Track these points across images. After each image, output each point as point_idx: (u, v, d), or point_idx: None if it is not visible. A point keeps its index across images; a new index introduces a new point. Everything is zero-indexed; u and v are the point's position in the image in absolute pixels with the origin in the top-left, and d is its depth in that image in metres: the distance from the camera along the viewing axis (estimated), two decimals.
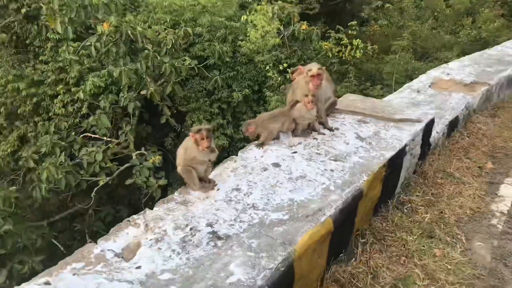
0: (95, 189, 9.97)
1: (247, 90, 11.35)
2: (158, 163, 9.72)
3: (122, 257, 2.71)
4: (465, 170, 5.22)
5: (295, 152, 4.10)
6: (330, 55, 12.63)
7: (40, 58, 11.48)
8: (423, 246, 3.80)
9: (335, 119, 4.90)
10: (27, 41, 12.03)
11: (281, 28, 11.89)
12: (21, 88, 10.85)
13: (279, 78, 11.38)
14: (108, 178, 9.96)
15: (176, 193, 3.34)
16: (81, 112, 11.03)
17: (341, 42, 12.86)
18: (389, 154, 4.15)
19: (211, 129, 3.44)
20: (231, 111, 11.86)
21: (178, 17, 12.07)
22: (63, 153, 9.58)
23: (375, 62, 15.51)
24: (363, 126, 4.74)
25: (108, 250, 2.76)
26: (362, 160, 4.01)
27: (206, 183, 3.47)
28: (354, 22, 13.58)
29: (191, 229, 2.98)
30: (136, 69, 9.21)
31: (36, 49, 12.12)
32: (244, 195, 3.40)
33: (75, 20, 9.00)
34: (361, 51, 12.63)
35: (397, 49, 11.95)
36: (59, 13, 8.99)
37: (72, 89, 10.89)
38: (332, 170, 3.80)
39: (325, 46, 12.73)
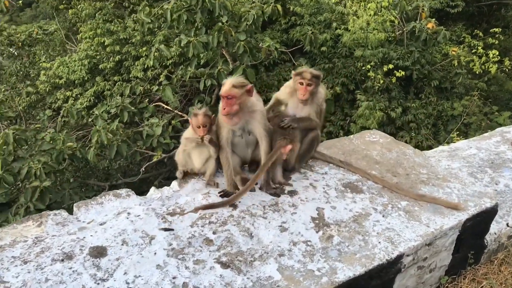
0: (147, 164, 9.26)
1: (338, 88, 9.58)
2: None
3: None
4: None
5: (168, 230, 2.38)
6: (456, 64, 10.30)
7: (132, 16, 10.94)
8: None
9: (309, 173, 2.99)
10: None
11: (396, 21, 9.86)
12: (106, 43, 10.44)
13: (382, 81, 9.44)
14: (164, 156, 9.17)
15: None
16: (159, 80, 10.32)
17: (472, 51, 10.44)
18: (346, 273, 2.19)
19: None
20: None
21: None
22: (118, 119, 8.90)
23: None
24: (346, 197, 2.76)
25: None
26: (277, 277, 2.11)
27: None
28: (497, 29, 11.00)
29: None
30: (207, 42, 8.09)
31: (131, 6, 11.64)
32: None
33: None
34: (497, 65, 10.10)
35: None
36: None
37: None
38: None
39: (452, 52, 10.42)
